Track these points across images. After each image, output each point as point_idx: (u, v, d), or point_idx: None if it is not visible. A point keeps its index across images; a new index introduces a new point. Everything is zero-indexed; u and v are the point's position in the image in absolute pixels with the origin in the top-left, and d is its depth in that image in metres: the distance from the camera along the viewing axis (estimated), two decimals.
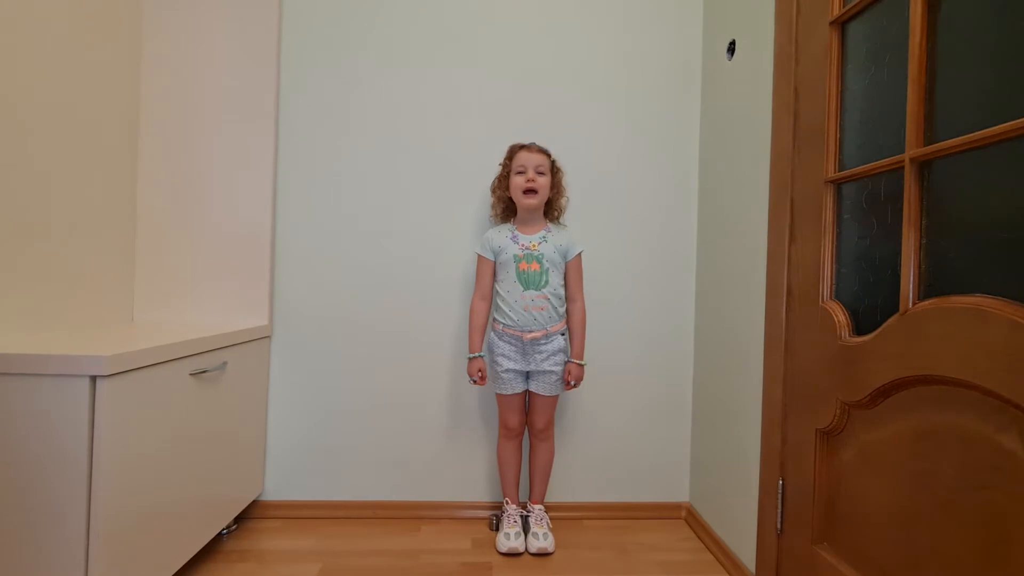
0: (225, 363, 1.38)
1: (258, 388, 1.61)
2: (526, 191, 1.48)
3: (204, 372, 1.28)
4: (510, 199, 1.53)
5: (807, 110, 1.18)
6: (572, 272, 1.54)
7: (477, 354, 1.51)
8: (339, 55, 1.69)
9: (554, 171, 1.54)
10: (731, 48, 1.55)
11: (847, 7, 1.08)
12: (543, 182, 1.49)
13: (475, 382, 1.52)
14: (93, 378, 0.97)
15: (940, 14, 0.88)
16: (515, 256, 1.49)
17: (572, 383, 1.53)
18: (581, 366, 1.53)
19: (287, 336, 1.69)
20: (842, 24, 1.10)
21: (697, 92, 1.76)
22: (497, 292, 1.53)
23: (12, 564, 0.96)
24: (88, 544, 0.97)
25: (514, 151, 1.53)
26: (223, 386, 1.39)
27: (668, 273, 1.76)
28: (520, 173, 1.49)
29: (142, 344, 1.10)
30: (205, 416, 1.31)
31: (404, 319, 1.71)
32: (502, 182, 1.55)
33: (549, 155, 1.53)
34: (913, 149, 0.89)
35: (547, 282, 1.49)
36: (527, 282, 1.48)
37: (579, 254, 1.54)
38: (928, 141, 0.88)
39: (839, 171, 1.09)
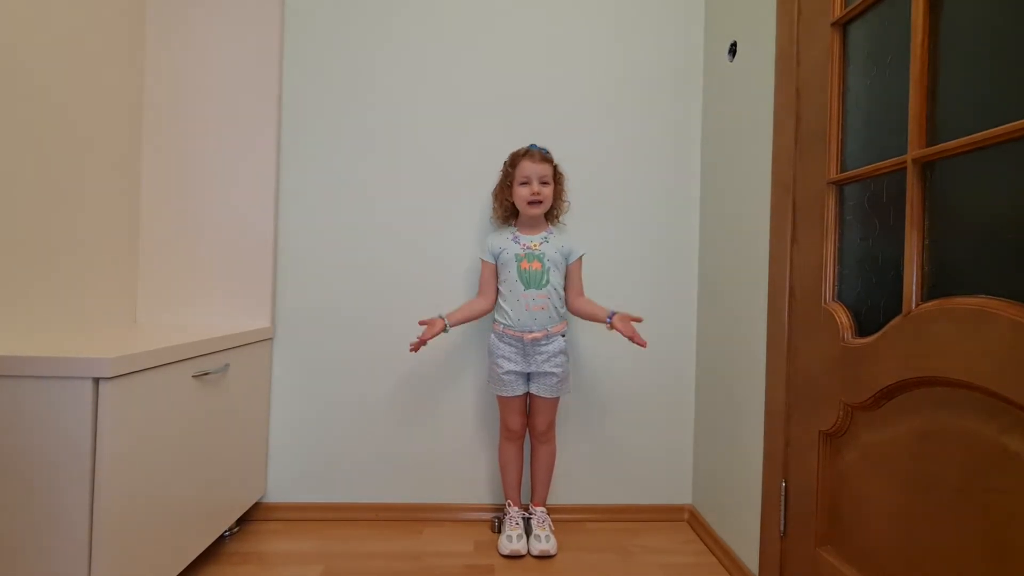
0: (227, 365, 1.38)
1: (260, 390, 1.62)
2: (531, 202, 1.48)
3: (206, 374, 1.28)
4: (512, 204, 1.54)
5: (809, 111, 1.18)
6: (574, 275, 1.54)
7: (444, 318, 1.48)
8: (341, 57, 1.70)
9: (557, 178, 1.54)
10: (732, 50, 1.55)
11: (848, 8, 1.07)
12: (547, 192, 1.50)
13: (418, 340, 1.45)
14: (96, 380, 0.97)
15: (941, 15, 0.88)
16: (516, 255, 1.49)
17: (633, 322, 1.44)
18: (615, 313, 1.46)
19: (289, 338, 1.69)
20: (843, 25, 1.10)
21: (699, 94, 1.76)
22: (499, 291, 1.53)
23: (15, 566, 0.96)
24: (91, 546, 0.97)
25: (517, 159, 1.51)
26: (225, 388, 1.39)
27: (670, 275, 1.76)
28: (524, 184, 1.49)
29: (145, 346, 1.10)
30: (207, 418, 1.31)
31: (406, 321, 1.70)
32: (504, 189, 1.54)
33: (552, 161, 1.52)
34: (915, 150, 0.89)
35: (548, 281, 1.49)
36: (528, 281, 1.48)
37: (580, 257, 1.54)
38: (930, 142, 0.88)
39: (841, 172, 1.09)
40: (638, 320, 1.45)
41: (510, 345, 1.51)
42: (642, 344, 1.41)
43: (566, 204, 1.60)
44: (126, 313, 1.56)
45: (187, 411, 1.22)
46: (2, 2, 1.13)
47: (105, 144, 1.45)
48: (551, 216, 1.59)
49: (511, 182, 1.52)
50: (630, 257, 1.75)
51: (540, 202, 1.49)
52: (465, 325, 1.69)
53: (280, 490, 1.69)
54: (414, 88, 1.71)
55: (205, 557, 1.41)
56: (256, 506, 1.67)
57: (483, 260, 1.55)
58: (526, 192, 1.48)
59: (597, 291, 1.70)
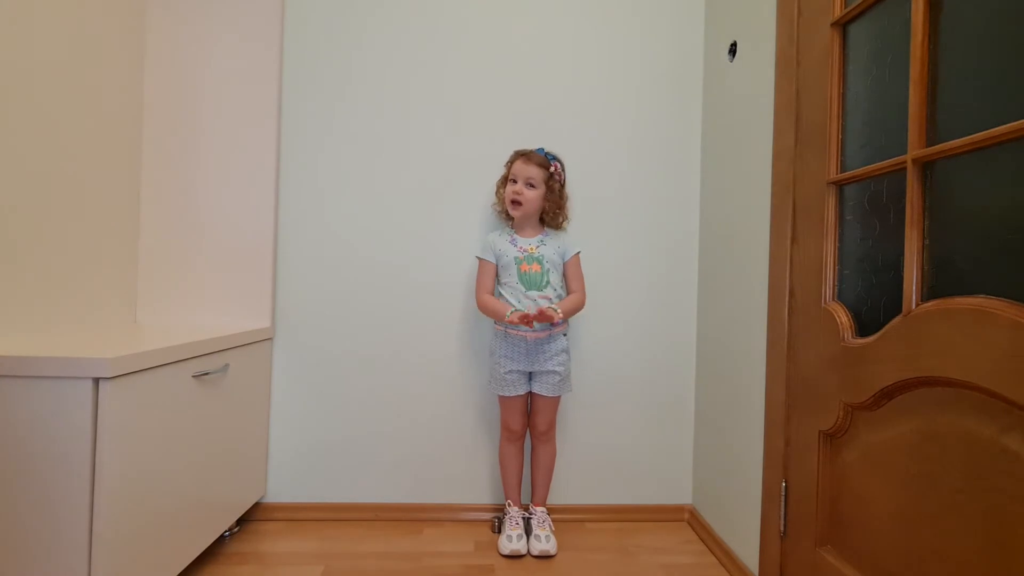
0: (227, 365, 1.38)
1: (260, 390, 1.62)
2: (511, 202, 1.49)
3: (206, 374, 1.28)
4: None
5: (809, 111, 1.18)
6: (572, 271, 1.54)
7: (510, 312, 1.42)
8: (342, 57, 1.69)
9: (550, 184, 1.52)
10: (732, 50, 1.55)
11: (848, 8, 1.08)
12: (530, 195, 1.49)
13: (526, 318, 1.38)
14: (96, 380, 0.97)
15: (942, 15, 0.88)
16: (516, 258, 1.50)
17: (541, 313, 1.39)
18: (553, 309, 1.40)
19: (289, 338, 1.69)
20: (843, 25, 1.10)
21: (699, 94, 1.76)
22: (501, 294, 1.53)
23: (15, 567, 0.96)
24: (91, 547, 0.97)
25: (514, 158, 1.53)
26: (225, 388, 1.39)
27: (670, 275, 1.76)
28: (513, 182, 1.50)
29: (145, 346, 1.10)
30: (207, 418, 1.31)
31: (406, 321, 1.71)
32: (502, 184, 1.57)
33: (547, 167, 1.51)
34: (915, 150, 0.89)
35: (548, 283, 1.50)
36: (529, 283, 1.49)
37: (577, 254, 1.54)
38: (930, 142, 0.88)
39: (841, 172, 1.09)
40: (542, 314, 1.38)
41: (513, 345, 1.51)
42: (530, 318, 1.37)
43: (564, 220, 1.58)
44: (126, 313, 1.56)
45: (187, 411, 1.22)
46: (2, 3, 1.13)
47: (105, 144, 1.44)
48: (550, 222, 1.58)
49: (507, 177, 1.54)
50: (630, 257, 1.75)
51: (520, 203, 1.49)
52: (466, 325, 1.71)
53: (280, 490, 1.69)
54: (414, 88, 1.71)
55: (205, 557, 1.41)
56: (256, 506, 1.67)
57: (482, 259, 1.54)
58: (509, 191, 1.50)
59: (597, 291, 1.70)
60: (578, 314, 1.70)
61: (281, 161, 1.68)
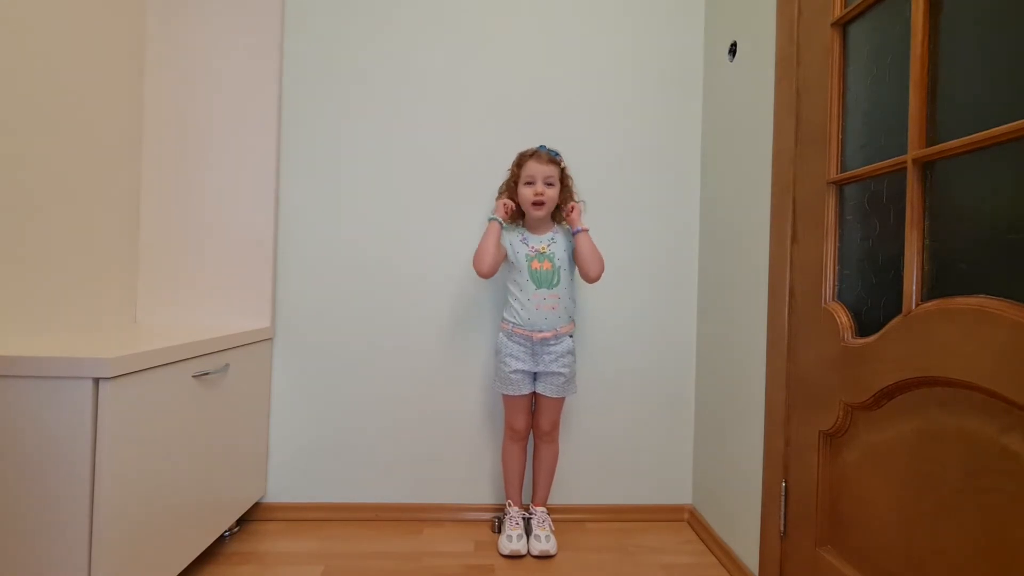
0: (227, 365, 1.38)
1: (260, 390, 1.62)
2: (535, 203, 1.48)
3: (206, 374, 1.28)
4: (518, 204, 1.54)
5: (809, 111, 1.18)
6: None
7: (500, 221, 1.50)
8: (342, 58, 1.69)
9: (563, 179, 1.54)
10: (732, 50, 1.55)
11: (848, 8, 1.08)
12: (551, 193, 1.49)
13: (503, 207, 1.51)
14: (96, 380, 0.97)
15: (942, 15, 0.88)
16: (527, 256, 1.50)
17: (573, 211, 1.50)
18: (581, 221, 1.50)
19: (289, 338, 1.69)
20: (843, 25, 1.10)
21: (699, 94, 1.76)
22: (509, 290, 1.53)
23: (15, 567, 0.96)
24: (91, 547, 0.97)
25: (523, 160, 1.52)
26: (225, 388, 1.39)
27: (670, 275, 1.76)
28: (529, 184, 1.49)
29: (145, 346, 1.10)
30: (207, 418, 1.31)
31: (406, 321, 1.71)
32: (510, 189, 1.55)
33: (559, 163, 1.52)
34: (915, 150, 0.89)
35: (559, 281, 1.49)
36: (539, 280, 1.49)
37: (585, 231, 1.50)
38: (930, 142, 0.88)
39: (841, 172, 1.09)
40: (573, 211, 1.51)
41: (519, 344, 1.51)
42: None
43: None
44: (126, 313, 1.56)
45: (187, 411, 1.22)
46: (2, 3, 1.13)
47: (105, 144, 1.44)
48: (558, 216, 1.58)
49: (516, 181, 1.53)
50: (630, 257, 1.75)
51: (543, 203, 1.48)
52: (467, 326, 1.71)
53: (280, 490, 1.69)
54: (415, 89, 1.71)
55: (205, 557, 1.41)
56: (256, 506, 1.67)
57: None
58: (530, 193, 1.48)
59: (596, 291, 1.71)
60: (577, 314, 1.70)
61: (281, 161, 1.68)
